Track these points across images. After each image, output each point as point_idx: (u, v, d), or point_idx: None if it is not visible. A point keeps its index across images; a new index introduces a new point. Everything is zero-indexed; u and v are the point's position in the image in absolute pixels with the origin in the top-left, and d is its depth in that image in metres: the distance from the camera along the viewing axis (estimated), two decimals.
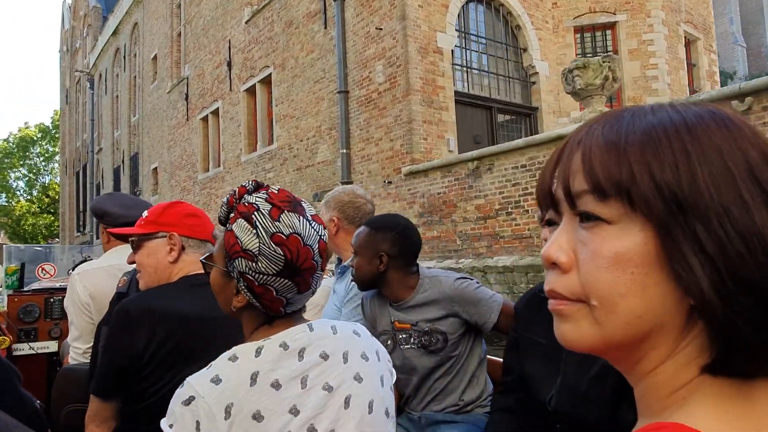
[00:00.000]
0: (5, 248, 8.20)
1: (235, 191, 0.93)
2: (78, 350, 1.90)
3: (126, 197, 2.15)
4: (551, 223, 0.44)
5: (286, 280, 0.88)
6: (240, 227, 0.88)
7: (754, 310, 0.35)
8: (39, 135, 38.51)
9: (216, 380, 0.84)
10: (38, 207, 37.59)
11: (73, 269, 2.14)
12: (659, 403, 0.39)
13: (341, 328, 0.99)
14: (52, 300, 2.81)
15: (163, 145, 17.49)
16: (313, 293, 0.95)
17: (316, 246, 0.91)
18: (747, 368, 0.36)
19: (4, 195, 37.73)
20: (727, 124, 0.39)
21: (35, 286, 3.63)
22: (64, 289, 2.53)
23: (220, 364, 0.87)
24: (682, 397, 0.38)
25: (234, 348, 0.90)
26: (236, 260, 0.88)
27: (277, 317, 0.93)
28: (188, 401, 0.82)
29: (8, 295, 2.93)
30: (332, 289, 2.02)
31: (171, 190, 16.79)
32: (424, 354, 1.65)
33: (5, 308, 2.78)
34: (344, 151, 9.37)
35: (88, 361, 1.77)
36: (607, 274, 0.38)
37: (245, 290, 0.90)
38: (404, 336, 1.68)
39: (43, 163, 38.56)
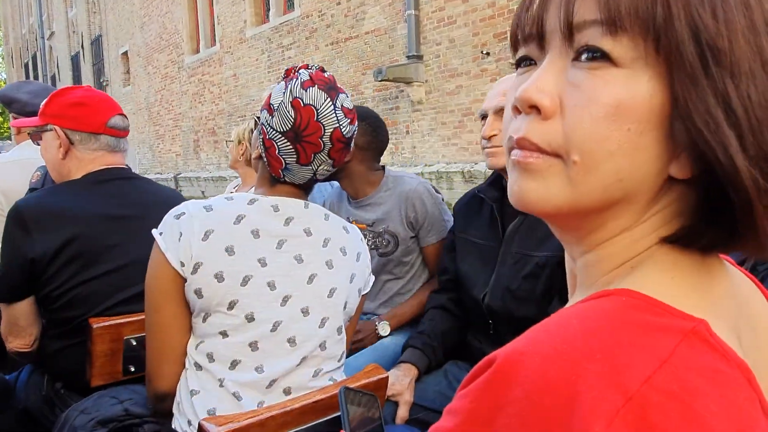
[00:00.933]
0: None
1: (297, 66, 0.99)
2: None
3: (37, 84, 1.99)
4: (525, 62, 0.38)
5: (289, 143, 0.95)
6: (278, 86, 0.98)
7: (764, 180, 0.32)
8: None
9: (208, 208, 0.94)
10: None
11: None
12: (606, 275, 0.38)
13: (333, 219, 1.06)
14: None
15: (134, 23, 14.02)
16: (315, 177, 0.99)
17: (330, 129, 0.94)
18: (713, 241, 0.34)
19: None
20: None
21: None
22: None
23: (217, 199, 0.97)
24: (630, 266, 0.37)
25: (234, 193, 1.00)
26: (263, 111, 0.98)
27: (279, 182, 1.00)
28: (179, 216, 0.93)
29: None
30: None
31: (149, 79, 13.66)
32: (375, 255, 1.66)
33: None
34: (412, 12, 6.74)
35: None
36: (601, 125, 0.33)
37: (260, 141, 0.99)
38: None
39: None
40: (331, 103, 0.94)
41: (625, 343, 0.29)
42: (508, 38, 0.39)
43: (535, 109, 0.35)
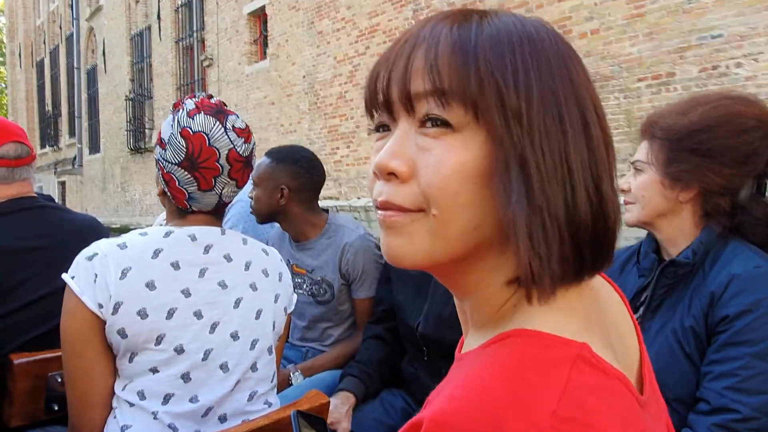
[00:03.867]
0: None
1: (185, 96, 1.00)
2: None
3: None
4: (381, 128, 0.42)
5: (186, 173, 0.93)
6: (166, 120, 0.97)
7: (554, 236, 0.36)
8: None
9: (122, 246, 0.91)
10: None
11: None
12: (493, 315, 0.41)
13: (252, 242, 1.06)
14: None
15: None
16: (222, 200, 0.98)
17: (225, 151, 0.93)
18: (542, 285, 0.37)
19: None
20: (557, 40, 0.39)
21: None
22: None
23: (131, 235, 0.95)
24: (512, 304, 0.40)
25: (148, 228, 0.98)
26: (157, 147, 0.97)
27: (189, 212, 0.99)
28: (91, 257, 0.90)
29: None
30: None
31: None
32: (312, 303, 1.68)
33: None
34: None
35: None
36: (452, 183, 0.37)
37: (160, 176, 0.98)
38: (298, 281, 1.68)
39: None
40: (220, 125, 0.94)
41: (528, 384, 0.33)
42: (364, 105, 0.43)
43: (393, 174, 0.38)
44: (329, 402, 1.07)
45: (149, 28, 12.46)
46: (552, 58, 0.38)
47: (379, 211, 0.40)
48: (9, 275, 1.19)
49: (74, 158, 16.16)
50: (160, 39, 11.81)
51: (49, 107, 19.07)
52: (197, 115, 0.94)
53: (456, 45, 0.37)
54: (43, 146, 19.40)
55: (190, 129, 0.92)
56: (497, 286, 0.40)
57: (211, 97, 0.99)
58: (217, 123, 0.94)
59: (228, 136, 0.94)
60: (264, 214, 1.63)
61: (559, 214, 0.36)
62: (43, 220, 1.29)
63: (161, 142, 0.96)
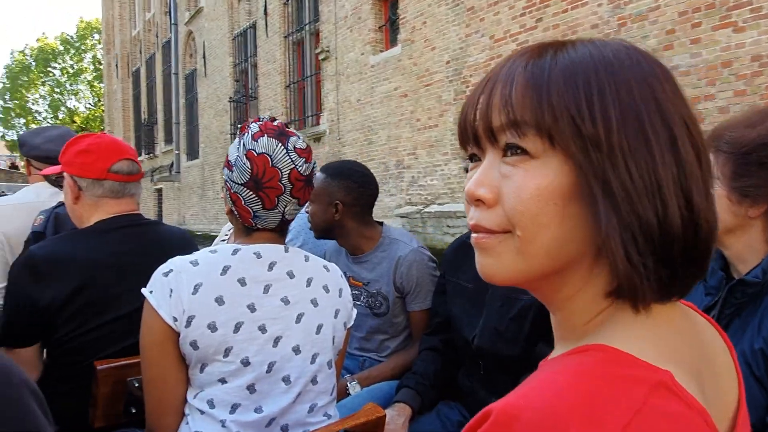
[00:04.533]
0: None
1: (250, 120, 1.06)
2: None
3: (58, 130, 2.02)
4: (475, 158, 0.46)
5: (251, 192, 0.99)
6: (233, 144, 1.03)
7: (647, 248, 0.38)
8: (61, 48, 34.65)
9: (194, 263, 0.99)
10: None
11: None
12: (579, 329, 0.43)
13: (314, 259, 1.12)
14: None
15: None
16: (285, 217, 1.03)
17: (287, 171, 0.99)
18: (642, 297, 0.39)
19: (23, 120, 34.39)
20: (640, 60, 0.41)
21: None
22: None
23: (202, 253, 1.02)
24: (600, 322, 0.42)
25: (217, 246, 1.05)
26: (225, 169, 1.04)
27: (255, 230, 1.05)
28: (167, 273, 0.98)
29: None
30: None
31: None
32: (369, 315, 1.72)
33: None
34: None
35: (1, 301, 1.67)
36: (532, 205, 0.40)
37: (228, 196, 1.04)
38: (355, 293, 1.70)
39: (67, 82, 34.86)
40: (282, 147, 0.99)
41: (603, 396, 0.34)
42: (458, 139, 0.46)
43: (480, 201, 0.43)
44: (386, 415, 1.11)
45: (254, 25, 11.82)
46: (633, 79, 0.40)
47: (472, 234, 0.44)
48: (107, 289, 1.27)
49: (171, 165, 15.95)
50: (267, 36, 11.12)
51: (145, 115, 19.09)
52: (261, 138, 0.99)
53: (529, 80, 0.41)
54: (138, 154, 19.49)
55: (255, 151, 0.98)
56: (586, 301, 0.42)
57: (273, 120, 1.05)
58: (280, 144, 0.99)
59: (290, 157, 0.99)
60: (320, 229, 1.67)
61: (652, 229, 0.38)
62: (141, 237, 1.37)
63: (228, 164, 1.02)
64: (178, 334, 0.94)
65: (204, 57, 14.01)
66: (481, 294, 1.40)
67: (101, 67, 34.34)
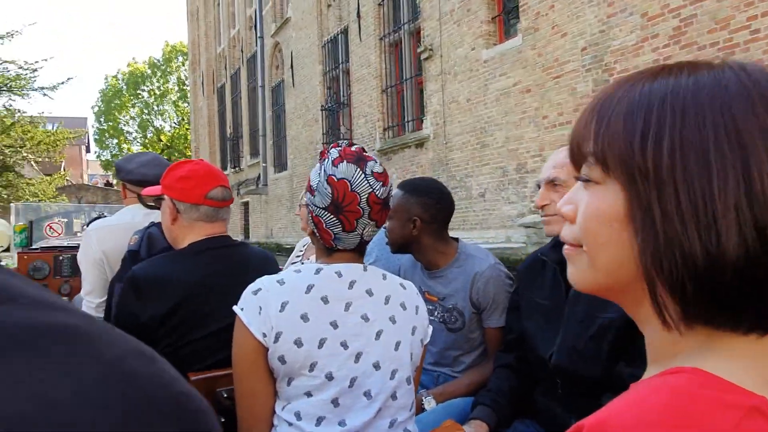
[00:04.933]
0: (13, 207, 8.33)
1: (329, 145, 1.12)
2: (91, 304, 1.95)
3: (148, 156, 2.19)
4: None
5: (332, 216, 1.05)
6: (314, 169, 1.09)
7: (684, 275, 0.38)
8: (149, 71, 36.49)
9: (281, 282, 1.05)
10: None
11: (87, 225, 2.24)
12: (668, 350, 0.43)
13: (391, 278, 1.15)
14: (61, 258, 2.97)
15: None
16: (363, 239, 1.08)
17: (365, 195, 1.04)
18: (688, 322, 0.40)
19: (115, 140, 36.40)
20: (730, 87, 0.40)
21: (43, 244, 3.70)
22: (72, 248, 2.91)
23: (287, 272, 1.08)
24: (693, 344, 0.41)
25: (300, 265, 1.13)
26: (306, 193, 1.10)
27: (335, 250, 1.10)
28: (256, 291, 1.04)
29: (18, 253, 3.10)
30: None
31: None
32: (444, 330, 1.71)
33: (16, 266, 2.91)
34: None
35: (102, 315, 1.86)
36: (593, 225, 0.44)
37: (310, 219, 1.10)
38: (430, 308, 1.68)
39: (155, 103, 36.63)
40: (361, 172, 1.04)
41: (695, 417, 0.34)
42: None
43: (565, 216, 0.49)
44: None
45: (345, 30, 11.41)
46: (708, 107, 0.39)
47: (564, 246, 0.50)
48: (199, 308, 1.33)
49: (257, 178, 15.89)
50: (360, 39, 10.64)
51: (230, 130, 19.28)
52: (340, 164, 1.04)
53: (594, 113, 0.45)
54: (224, 168, 19.74)
55: (335, 176, 1.04)
56: (669, 327, 0.42)
57: (352, 145, 1.10)
58: (358, 170, 1.04)
59: (368, 181, 1.04)
60: (398, 245, 1.70)
61: (696, 258, 0.38)
62: (229, 258, 1.45)
63: (310, 189, 1.08)
64: (267, 349, 1.01)
65: (291, 67, 13.80)
66: (558, 311, 1.39)
67: (185, 87, 35.89)
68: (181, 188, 1.43)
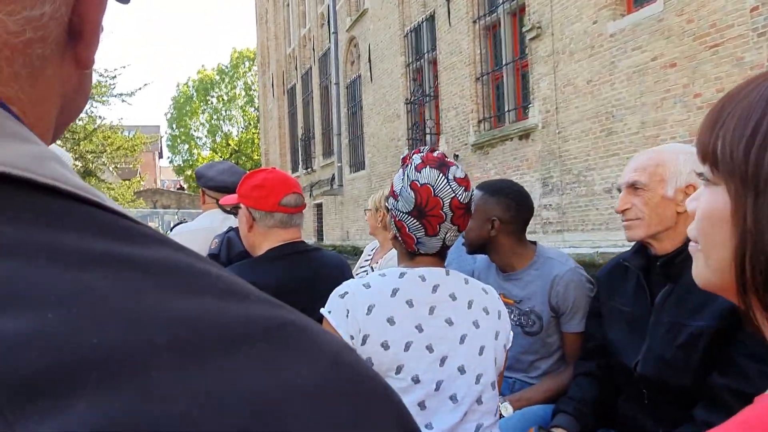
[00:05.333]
0: None
1: (412, 152, 1.14)
2: None
3: (225, 164, 2.29)
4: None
5: (415, 220, 1.07)
6: (397, 175, 1.13)
7: None
8: (217, 78, 37.27)
9: (367, 285, 1.08)
10: (221, 157, 36.55)
11: (171, 230, 2.43)
12: None
13: (473, 282, 1.16)
14: None
15: None
16: (445, 243, 1.11)
17: (448, 200, 1.06)
18: None
19: (186, 145, 37.37)
20: None
21: None
22: None
23: (373, 276, 1.11)
24: None
25: (385, 269, 1.14)
26: (390, 198, 1.13)
27: (417, 254, 1.13)
28: (343, 295, 1.07)
29: None
30: None
31: None
32: (520, 333, 1.68)
33: None
34: None
35: None
36: (704, 224, 0.47)
37: (392, 224, 1.13)
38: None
39: (223, 109, 37.36)
40: (444, 177, 1.06)
41: None
42: None
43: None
44: None
45: (431, 17, 10.60)
46: None
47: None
48: None
49: (332, 178, 15.38)
50: (450, 25, 9.81)
51: (302, 130, 18.87)
52: (423, 169, 1.07)
53: (717, 111, 0.47)
54: (294, 170, 19.50)
55: (418, 182, 1.06)
56: None
57: (434, 150, 1.12)
58: (441, 175, 1.06)
59: (450, 187, 1.06)
60: (475, 245, 1.69)
61: None
62: (304, 263, 1.50)
63: (394, 194, 1.11)
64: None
65: (369, 61, 13.13)
66: (642, 318, 1.34)
67: (252, 92, 36.38)
68: (256, 197, 1.48)
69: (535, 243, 1.73)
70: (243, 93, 37.03)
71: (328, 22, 15.17)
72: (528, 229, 1.75)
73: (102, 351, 0.16)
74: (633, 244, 1.43)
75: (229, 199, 1.63)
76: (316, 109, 17.40)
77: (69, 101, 0.29)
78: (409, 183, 1.06)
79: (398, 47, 11.75)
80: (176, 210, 25.87)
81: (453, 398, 1.04)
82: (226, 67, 37.00)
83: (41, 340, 0.16)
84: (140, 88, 19.50)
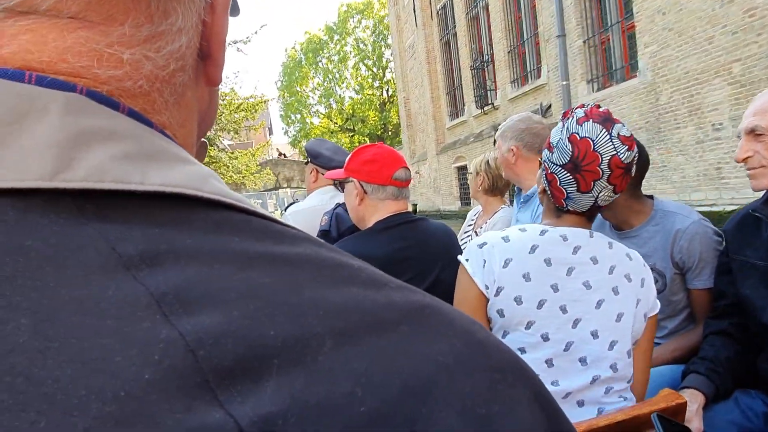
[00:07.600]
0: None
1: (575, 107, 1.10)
2: None
3: (331, 143, 2.37)
4: None
5: (568, 174, 1.04)
6: (556, 127, 1.09)
7: None
8: (326, 38, 33.55)
9: (506, 239, 1.07)
10: (336, 125, 32.96)
11: (285, 209, 2.46)
12: None
13: (617, 247, 1.12)
14: None
15: None
16: (597, 203, 1.07)
17: (607, 157, 1.02)
18: None
19: (298, 114, 34.22)
20: None
21: None
22: None
23: (513, 230, 1.10)
24: None
25: (526, 224, 1.12)
26: (545, 150, 1.10)
27: (564, 211, 1.11)
28: (482, 245, 1.08)
29: None
30: (515, 219, 2.04)
31: None
32: None
33: None
34: None
35: None
36: None
37: (543, 177, 1.11)
38: None
39: (335, 69, 33.66)
40: (606, 133, 1.01)
41: None
42: None
43: None
44: (686, 402, 1.07)
45: None
46: None
47: None
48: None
49: (544, 107, 10.56)
50: None
51: (471, 58, 14.04)
52: (585, 123, 1.03)
53: None
54: (453, 116, 14.98)
55: (578, 135, 1.03)
56: None
57: (599, 106, 1.07)
58: (604, 131, 1.02)
59: (612, 143, 1.01)
60: None
61: None
62: (415, 232, 1.53)
63: (549, 146, 1.08)
64: (488, 300, 1.05)
65: None
66: None
67: (364, 48, 32.35)
68: (368, 171, 1.52)
69: (651, 197, 1.62)
70: (353, 53, 33.25)
71: None
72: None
73: (279, 341, 0.19)
74: (762, 193, 1.36)
75: (335, 173, 1.72)
76: (495, 19, 12.51)
77: (203, 116, 0.32)
78: (567, 135, 1.05)
79: None
80: (289, 189, 23.13)
81: (582, 360, 1.04)
82: (334, 24, 33.25)
83: (234, 334, 0.18)
84: (256, 32, 15.77)
